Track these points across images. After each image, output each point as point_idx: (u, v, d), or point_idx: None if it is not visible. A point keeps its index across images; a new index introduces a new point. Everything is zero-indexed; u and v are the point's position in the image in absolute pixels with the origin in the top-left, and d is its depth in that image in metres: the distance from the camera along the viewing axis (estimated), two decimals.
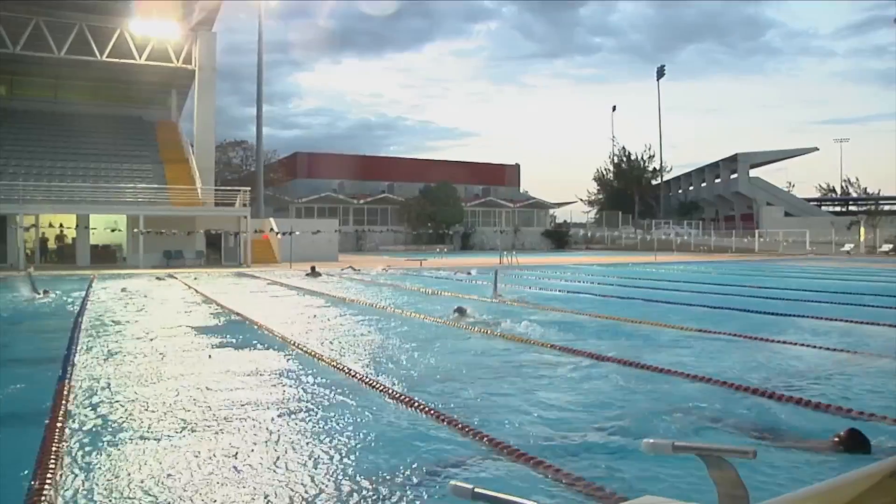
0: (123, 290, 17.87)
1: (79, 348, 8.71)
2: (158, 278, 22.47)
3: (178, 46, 36.01)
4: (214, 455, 4.45)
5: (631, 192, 68.24)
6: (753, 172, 65.25)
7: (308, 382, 6.66)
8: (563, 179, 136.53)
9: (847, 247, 44.38)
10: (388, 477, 4.04)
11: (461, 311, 11.72)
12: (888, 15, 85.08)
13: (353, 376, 6.93)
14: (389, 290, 18.11)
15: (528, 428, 5.00)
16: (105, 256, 31.69)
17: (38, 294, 16.46)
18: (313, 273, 22.87)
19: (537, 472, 4.06)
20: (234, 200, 32.90)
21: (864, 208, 61.93)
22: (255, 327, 10.84)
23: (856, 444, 4.30)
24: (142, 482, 3.97)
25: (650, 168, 70.48)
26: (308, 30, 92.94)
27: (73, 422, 5.25)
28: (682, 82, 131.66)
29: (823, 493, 1.45)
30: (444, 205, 56.60)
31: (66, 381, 6.66)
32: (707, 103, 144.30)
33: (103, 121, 38.21)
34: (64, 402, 5.82)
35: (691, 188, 71.25)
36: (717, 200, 67.17)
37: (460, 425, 5.01)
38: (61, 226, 31.04)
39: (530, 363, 7.53)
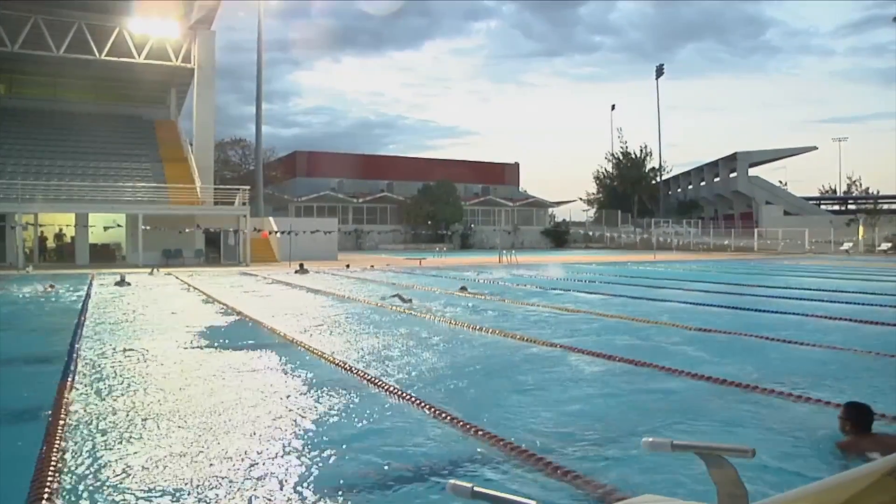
0: (120, 283, 18.38)
1: (80, 346, 8.72)
2: (151, 274, 22.90)
3: (178, 45, 35.99)
4: (215, 453, 4.46)
5: (630, 192, 68.23)
6: (753, 171, 65.22)
7: (306, 379, 6.66)
8: (563, 178, 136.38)
9: (846, 245, 44.38)
10: (386, 474, 4.05)
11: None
12: (888, 14, 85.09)
13: (349, 371, 6.94)
14: (378, 285, 18.13)
15: (526, 425, 5.01)
16: (104, 255, 31.70)
17: (48, 288, 17.11)
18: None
19: (536, 471, 4.07)
20: (233, 199, 32.89)
21: (863, 207, 61.90)
22: (256, 325, 10.85)
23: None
24: (143, 481, 3.98)
25: (648, 167, 70.50)
26: (308, 28, 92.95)
27: (76, 420, 5.25)
28: (682, 81, 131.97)
29: (822, 492, 1.46)
30: (444, 204, 56.60)
31: (69, 378, 6.66)
32: (707, 102, 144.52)
33: (102, 119, 38.22)
34: (66, 400, 5.82)
35: (690, 187, 71.22)
36: (717, 199, 67.15)
37: (460, 422, 5.02)
38: (60, 228, 31.11)
39: (529, 360, 7.55)
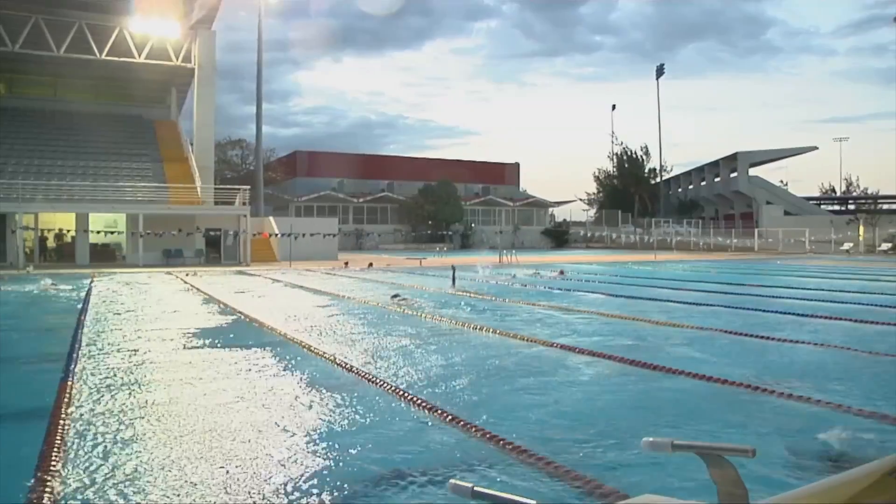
0: (127, 283, 18.60)
1: (80, 346, 8.71)
2: (152, 275, 23.00)
3: (178, 45, 35.96)
4: (215, 453, 4.46)
5: (630, 191, 68.22)
6: (753, 171, 65.17)
7: (305, 378, 6.65)
8: (563, 178, 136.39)
9: (846, 245, 44.38)
10: (386, 474, 4.05)
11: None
12: (888, 13, 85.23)
13: (348, 370, 6.94)
14: (377, 284, 18.13)
15: (526, 425, 5.01)
16: (104, 255, 31.70)
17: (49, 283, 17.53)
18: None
19: (537, 470, 4.07)
20: (233, 199, 32.89)
21: (864, 207, 61.87)
22: (256, 324, 10.84)
23: None
24: (144, 481, 3.98)
25: (647, 167, 70.52)
26: (308, 28, 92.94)
27: (76, 420, 5.25)
28: (683, 81, 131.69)
29: (822, 491, 1.46)
30: (444, 203, 56.61)
31: (69, 379, 6.66)
32: (707, 102, 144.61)
33: (103, 119, 38.20)
34: (66, 399, 5.82)
35: (691, 187, 71.21)
36: (717, 199, 67.12)
37: (460, 422, 5.02)
38: (61, 228, 31.10)
39: (529, 359, 7.54)
